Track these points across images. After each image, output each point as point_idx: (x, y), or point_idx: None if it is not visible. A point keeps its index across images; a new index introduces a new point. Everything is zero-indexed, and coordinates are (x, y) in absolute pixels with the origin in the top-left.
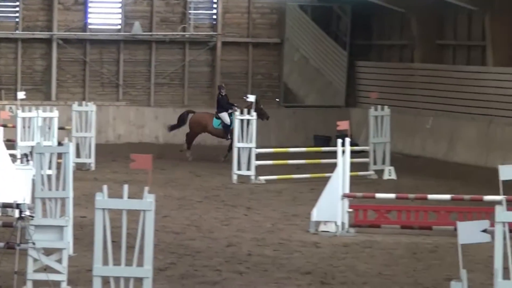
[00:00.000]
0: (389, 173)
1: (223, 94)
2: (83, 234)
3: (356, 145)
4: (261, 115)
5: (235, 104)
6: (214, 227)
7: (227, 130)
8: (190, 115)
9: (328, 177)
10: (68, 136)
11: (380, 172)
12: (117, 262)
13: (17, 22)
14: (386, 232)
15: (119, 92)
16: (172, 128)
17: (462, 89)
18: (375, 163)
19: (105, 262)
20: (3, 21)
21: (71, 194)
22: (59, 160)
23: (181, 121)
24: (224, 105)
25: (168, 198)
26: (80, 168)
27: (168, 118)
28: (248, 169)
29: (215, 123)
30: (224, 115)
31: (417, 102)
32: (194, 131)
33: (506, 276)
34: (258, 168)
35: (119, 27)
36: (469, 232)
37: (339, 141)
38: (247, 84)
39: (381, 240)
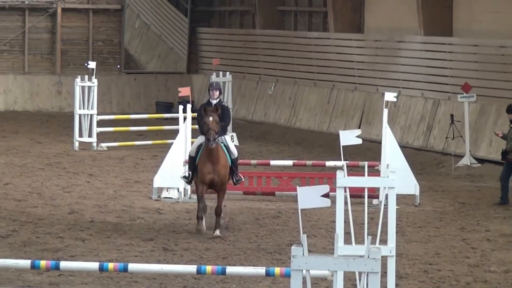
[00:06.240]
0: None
1: (210, 100)
2: None
3: None
4: None
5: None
6: (56, 194)
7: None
8: None
9: (170, 144)
10: None
11: None
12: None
13: None
14: (229, 198)
15: None
16: None
17: (304, 55)
18: None
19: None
20: None
21: None
22: None
23: None
24: (199, 122)
25: (10, 166)
26: None
27: (9, 85)
28: (90, 136)
29: None
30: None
31: (259, 68)
32: None
33: (347, 241)
34: (99, 135)
35: None
36: (309, 197)
37: (181, 107)
38: (88, 51)
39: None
